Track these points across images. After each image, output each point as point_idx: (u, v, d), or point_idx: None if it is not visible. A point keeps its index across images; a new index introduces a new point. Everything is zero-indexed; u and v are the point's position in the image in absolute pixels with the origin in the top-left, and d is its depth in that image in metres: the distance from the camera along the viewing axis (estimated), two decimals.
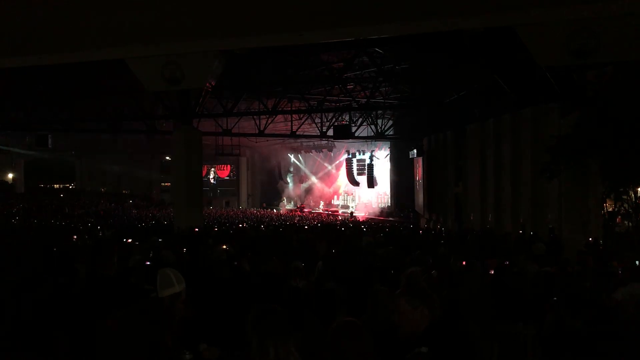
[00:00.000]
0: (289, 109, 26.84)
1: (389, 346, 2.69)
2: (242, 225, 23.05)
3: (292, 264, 5.44)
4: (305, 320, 3.47)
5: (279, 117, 29.95)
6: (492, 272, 6.15)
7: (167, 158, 45.10)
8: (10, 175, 49.01)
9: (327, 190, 46.72)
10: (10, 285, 4.25)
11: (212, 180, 49.20)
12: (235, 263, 6.17)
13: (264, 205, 48.45)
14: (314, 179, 47.33)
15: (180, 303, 3.25)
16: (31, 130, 29.53)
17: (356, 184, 42.84)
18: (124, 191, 51.48)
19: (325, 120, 29.79)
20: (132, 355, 2.60)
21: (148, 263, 6.19)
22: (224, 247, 7.71)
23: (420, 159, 30.90)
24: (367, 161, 39.04)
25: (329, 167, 46.07)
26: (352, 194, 44.28)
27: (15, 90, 22.16)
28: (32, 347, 3.02)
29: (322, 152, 45.31)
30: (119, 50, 4.10)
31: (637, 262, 7.03)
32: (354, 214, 38.81)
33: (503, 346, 3.04)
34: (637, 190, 17.76)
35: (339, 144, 41.00)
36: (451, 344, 2.62)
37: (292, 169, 49.19)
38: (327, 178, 46.70)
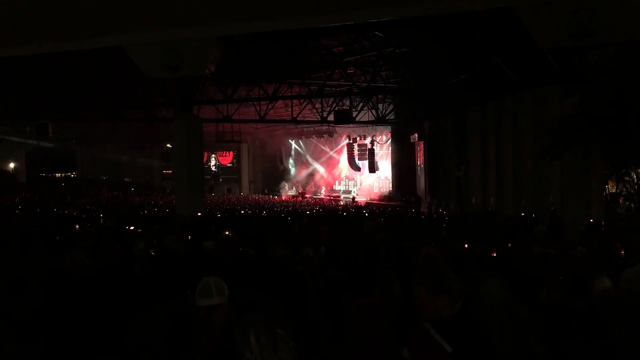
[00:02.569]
0: (289, 94, 26.74)
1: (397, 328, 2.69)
2: (245, 211, 23.10)
3: (303, 251, 5.45)
4: (309, 305, 3.49)
5: (280, 103, 29.86)
6: (494, 255, 6.19)
7: (168, 146, 45.07)
8: (11, 165, 49.07)
9: (329, 176, 46.72)
10: (13, 275, 4.27)
11: (213, 168, 49.19)
12: (240, 249, 6.19)
13: (266, 191, 48.48)
14: (315, 165, 47.31)
15: (220, 315, 3.18)
16: (31, 120, 29.47)
17: (357, 169, 42.83)
18: (125, 179, 51.56)
19: (326, 106, 29.69)
20: (157, 355, 2.60)
21: (152, 252, 6.19)
22: (227, 233, 7.71)
23: (421, 143, 30.86)
24: (368, 146, 39.00)
25: (330, 153, 46.02)
26: (353, 179, 44.29)
27: (14, 79, 22.09)
28: (37, 336, 3.04)
29: (323, 137, 45.23)
30: (118, 38, 4.08)
31: None
32: (355, 199, 38.84)
33: (507, 328, 3.04)
34: (639, 172, 17.78)
35: (339, 129, 40.91)
36: (474, 344, 2.53)
37: (293, 155, 49.15)
38: (329, 163, 46.68)
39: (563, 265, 5.02)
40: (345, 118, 25.96)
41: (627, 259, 5.60)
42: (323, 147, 46.36)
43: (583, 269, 5.03)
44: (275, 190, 47.84)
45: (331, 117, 28.10)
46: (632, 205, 17.56)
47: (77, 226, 13.09)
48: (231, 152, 48.96)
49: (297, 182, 48.18)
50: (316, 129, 43.71)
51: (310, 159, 47.60)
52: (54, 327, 3.22)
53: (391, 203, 36.16)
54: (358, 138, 41.02)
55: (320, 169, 47.13)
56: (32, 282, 3.89)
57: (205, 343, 2.95)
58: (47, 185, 43.33)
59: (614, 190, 19.05)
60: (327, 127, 40.73)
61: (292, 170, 49.11)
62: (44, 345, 2.98)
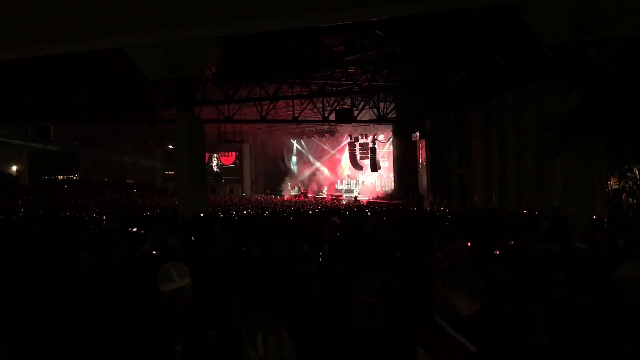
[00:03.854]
0: (290, 94, 26.75)
1: (400, 324, 2.69)
2: (247, 211, 23.11)
3: (299, 249, 5.46)
4: (314, 303, 3.50)
5: (281, 103, 29.86)
6: (497, 252, 6.18)
7: (170, 147, 45.13)
8: (14, 168, 49.14)
9: (331, 175, 46.73)
10: (14, 276, 4.28)
11: (215, 168, 49.23)
12: (244, 248, 6.19)
13: (268, 191, 48.50)
14: (317, 164, 47.31)
15: (185, 297, 3.22)
16: (33, 122, 29.52)
17: (359, 168, 42.82)
18: (128, 181, 51.62)
19: (327, 105, 29.70)
20: (131, 344, 2.63)
21: (154, 252, 6.20)
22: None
23: (423, 141, 30.85)
24: (370, 145, 38.98)
25: (332, 152, 46.01)
26: (355, 178, 44.28)
27: (16, 81, 22.12)
28: (38, 336, 3.06)
29: (325, 136, 45.24)
30: (119, 39, 4.09)
31: None
32: (357, 198, 38.83)
33: (512, 324, 3.04)
34: None
35: (341, 128, 40.93)
36: (495, 345, 2.48)
37: (295, 155, 49.17)
38: (330, 163, 46.68)
39: (567, 262, 5.00)
40: (346, 117, 25.96)
41: (628, 255, 5.58)
42: (325, 147, 46.36)
43: (586, 266, 5.03)
44: (278, 190, 47.85)
45: (332, 117, 28.09)
46: (635, 201, 17.53)
47: (82, 229, 13.12)
48: (234, 153, 48.97)
49: (299, 181, 48.20)
50: (317, 128, 43.73)
51: (312, 159, 47.60)
52: (57, 327, 3.23)
53: (393, 201, 36.13)
54: (359, 137, 40.99)
55: (322, 168, 47.13)
56: (35, 284, 3.90)
57: (174, 326, 2.98)
58: (50, 187, 43.36)
59: (616, 186, 19.02)
60: (328, 126, 40.74)
61: (294, 170, 49.13)
62: (47, 346, 2.99)
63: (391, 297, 3.63)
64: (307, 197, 43.19)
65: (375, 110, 30.08)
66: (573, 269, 4.16)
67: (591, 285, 3.46)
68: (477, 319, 2.55)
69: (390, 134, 38.99)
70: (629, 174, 17.85)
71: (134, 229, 11.01)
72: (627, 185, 18.58)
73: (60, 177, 55.64)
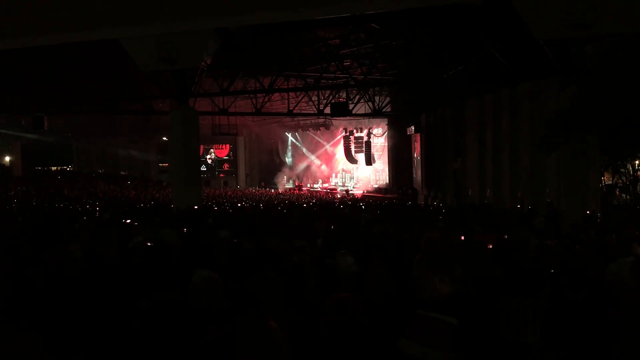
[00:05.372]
0: (286, 87, 26.71)
1: (391, 317, 2.71)
2: (242, 204, 23.10)
3: (294, 242, 5.45)
4: (307, 295, 3.50)
5: (276, 96, 29.83)
6: (491, 247, 6.19)
7: (165, 139, 45.01)
8: (7, 159, 48.90)
9: (325, 169, 46.73)
10: (9, 269, 4.26)
11: (209, 161, 49.18)
12: (235, 240, 6.18)
13: (263, 184, 48.49)
14: (311, 158, 47.30)
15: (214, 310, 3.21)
16: (27, 113, 29.36)
17: (354, 162, 42.83)
18: (122, 173, 51.46)
19: (322, 98, 29.66)
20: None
21: (149, 244, 6.17)
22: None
23: (418, 136, 30.85)
24: (365, 139, 38.97)
25: (327, 145, 46.00)
26: (350, 171, 44.32)
27: (9, 72, 22.00)
28: (34, 330, 3.05)
29: (320, 130, 45.21)
30: (114, 31, 4.06)
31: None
32: (350, 192, 38.86)
33: (504, 320, 3.06)
34: (635, 164, 17.86)
35: (336, 121, 40.93)
36: (478, 317, 2.58)
37: (289, 148, 49.13)
38: (325, 156, 46.68)
39: (562, 257, 5.02)
40: (341, 111, 25.94)
41: (620, 251, 5.61)
42: (319, 140, 46.33)
43: (579, 261, 5.05)
44: (272, 183, 47.84)
45: (327, 110, 28.06)
46: (628, 197, 17.64)
47: (75, 221, 13.06)
48: (227, 145, 48.91)
49: (294, 175, 48.19)
50: (312, 121, 43.70)
51: (306, 152, 47.58)
52: (51, 320, 3.23)
53: (388, 195, 36.20)
54: (354, 131, 40.98)
55: (316, 161, 47.12)
56: (28, 276, 3.88)
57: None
58: (43, 178, 43.14)
59: (610, 182, 19.13)
60: (323, 119, 40.72)
61: (289, 163, 49.11)
62: (41, 338, 2.98)
63: (384, 291, 3.64)
64: (302, 190, 43.19)
65: (370, 104, 30.07)
66: (566, 265, 4.18)
67: (584, 281, 3.48)
68: (454, 297, 2.68)
69: (386, 127, 39.01)
70: (623, 170, 17.97)
71: (128, 221, 10.97)
72: (620, 181, 18.70)
73: (53, 169, 55.40)
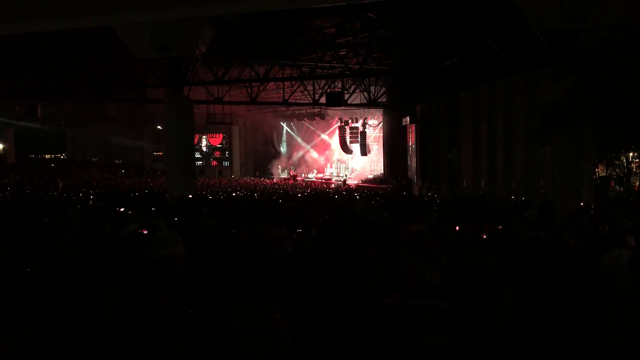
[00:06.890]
0: (281, 76, 26.61)
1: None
2: (236, 193, 23.10)
3: (279, 232, 5.41)
4: (300, 286, 3.50)
5: (271, 85, 29.73)
6: (485, 237, 6.21)
7: (159, 127, 44.85)
8: (0, 146, 48.67)
9: (320, 158, 46.73)
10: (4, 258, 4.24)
11: (204, 149, 49.11)
12: (233, 230, 6.17)
13: (257, 174, 48.46)
14: (307, 147, 47.27)
15: (179, 264, 3.18)
16: (20, 100, 29.18)
17: (349, 152, 42.84)
18: (116, 161, 51.32)
19: (318, 88, 29.60)
20: (130, 313, 2.63)
21: (145, 232, 6.16)
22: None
23: (413, 126, 30.89)
24: (360, 129, 38.96)
25: (322, 135, 45.96)
26: (345, 161, 44.32)
27: (3, 59, 21.82)
28: (30, 320, 3.04)
29: (315, 119, 45.15)
30: (108, 18, 4.03)
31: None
32: (346, 182, 38.91)
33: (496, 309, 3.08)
34: (629, 156, 17.94)
35: (331, 111, 40.87)
36: (467, 301, 2.61)
37: (284, 137, 49.06)
38: (320, 146, 46.66)
39: (555, 248, 5.05)
40: (337, 100, 25.87)
41: (613, 242, 5.65)
42: (315, 130, 46.28)
43: (572, 251, 5.08)
44: (267, 172, 47.82)
45: (323, 100, 28.02)
46: (621, 188, 17.74)
47: (68, 209, 13.02)
48: (221, 134, 48.84)
49: (289, 164, 48.17)
50: (308, 111, 43.60)
51: (301, 142, 47.53)
52: (46, 309, 3.22)
53: (382, 186, 36.27)
54: (350, 121, 40.95)
55: (311, 151, 47.09)
56: (24, 265, 3.87)
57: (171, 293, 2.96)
58: (37, 166, 42.97)
59: (604, 174, 19.22)
60: (318, 109, 40.63)
61: (284, 153, 49.07)
62: (38, 328, 2.98)
63: (379, 280, 3.66)
64: (296, 180, 43.19)
65: (365, 94, 30.04)
66: (558, 255, 4.19)
67: (576, 272, 3.49)
68: (442, 283, 2.71)
69: (381, 118, 38.98)
70: (617, 162, 18.04)
71: (122, 209, 10.94)
72: (614, 173, 18.79)
73: (47, 157, 55.19)
